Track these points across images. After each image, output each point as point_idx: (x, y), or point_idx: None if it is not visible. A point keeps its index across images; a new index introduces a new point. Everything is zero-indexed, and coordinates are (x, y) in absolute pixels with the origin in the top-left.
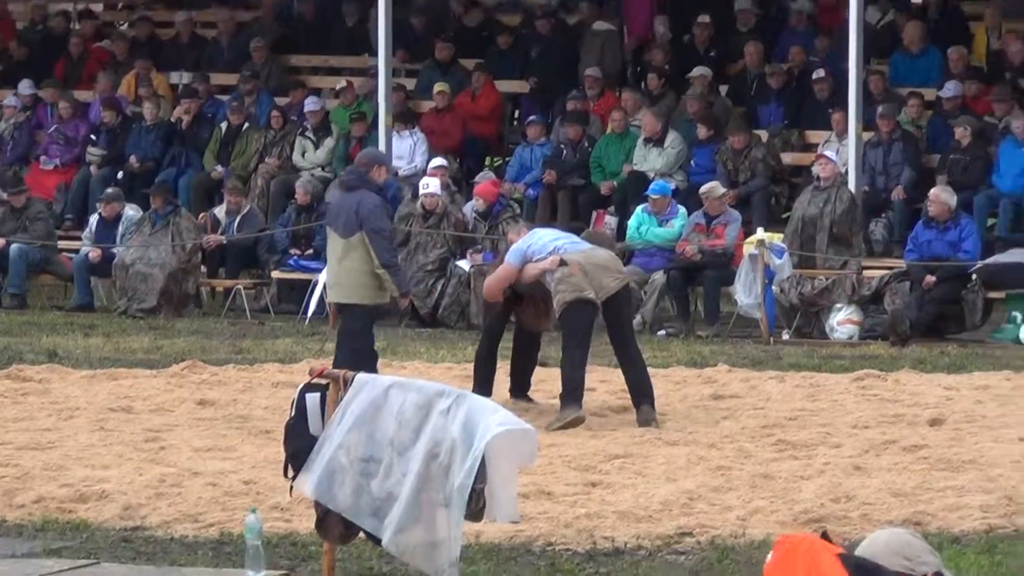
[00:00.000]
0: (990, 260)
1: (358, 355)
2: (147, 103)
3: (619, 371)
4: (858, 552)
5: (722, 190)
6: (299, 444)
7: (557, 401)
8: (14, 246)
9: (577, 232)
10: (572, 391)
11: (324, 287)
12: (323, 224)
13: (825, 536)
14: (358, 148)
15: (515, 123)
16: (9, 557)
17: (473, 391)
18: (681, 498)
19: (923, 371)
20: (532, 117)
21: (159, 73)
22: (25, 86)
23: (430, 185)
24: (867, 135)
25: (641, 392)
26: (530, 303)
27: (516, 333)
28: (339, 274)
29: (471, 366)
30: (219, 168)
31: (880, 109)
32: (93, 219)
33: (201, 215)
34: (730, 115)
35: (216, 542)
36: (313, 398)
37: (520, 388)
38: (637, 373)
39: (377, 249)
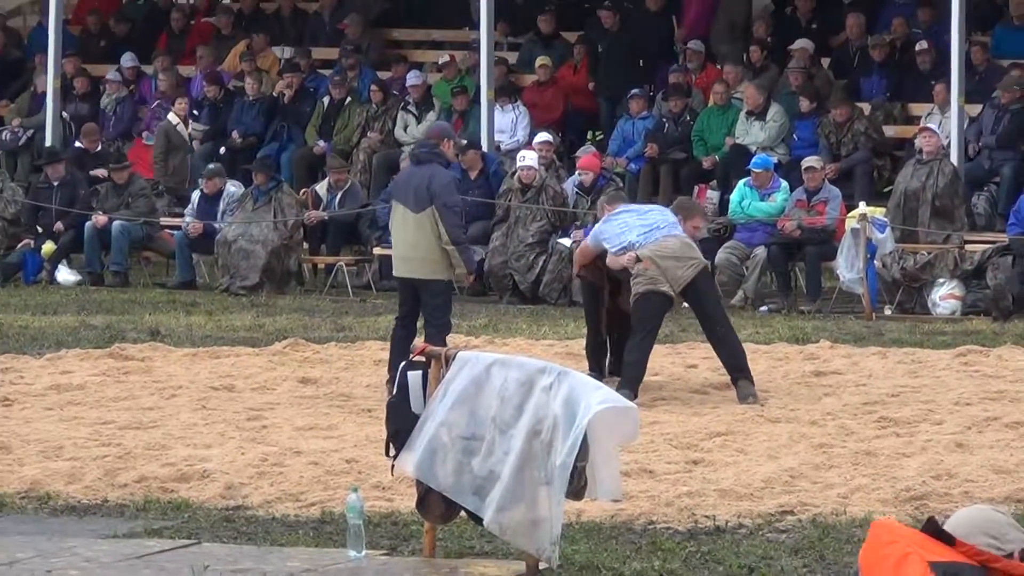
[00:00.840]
0: None
1: (447, 329)
2: (249, 78)
3: None
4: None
5: (820, 163)
6: (401, 422)
7: (658, 378)
8: (116, 223)
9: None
10: (629, 378)
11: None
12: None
13: (932, 525)
14: (460, 122)
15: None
16: (111, 537)
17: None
18: (783, 476)
19: None
20: (634, 90)
21: (267, 47)
22: (127, 59)
23: (526, 158)
24: (971, 108)
25: (735, 368)
26: (625, 289)
27: (616, 316)
28: (412, 250)
29: (573, 343)
30: (321, 143)
31: (1006, 77)
32: (195, 195)
33: (303, 191)
34: (832, 88)
35: (317, 521)
36: (415, 376)
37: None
38: (728, 349)
39: (447, 225)
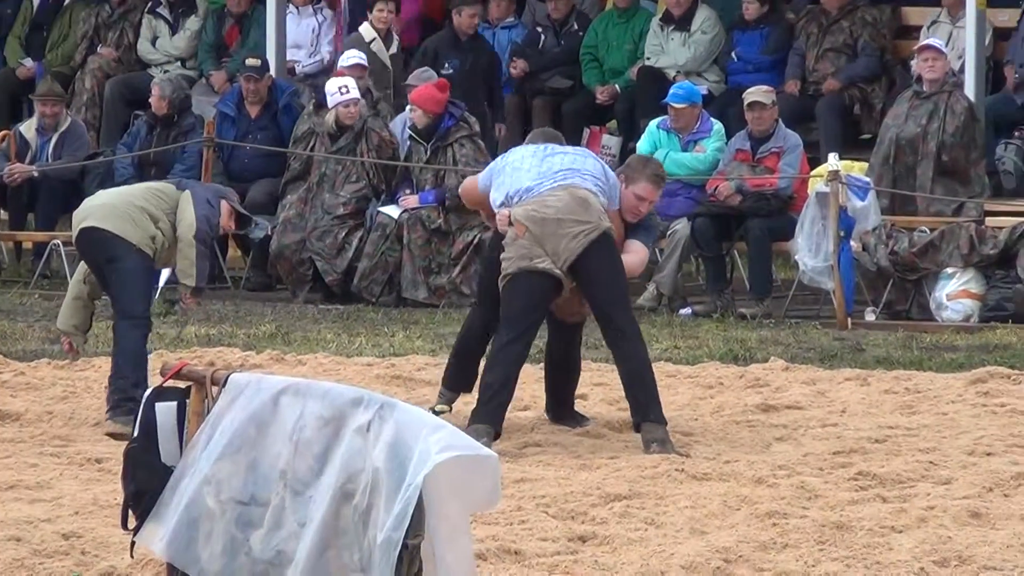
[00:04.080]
0: None
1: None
2: None
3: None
4: None
5: (771, 97)
6: (145, 479)
7: (530, 413)
8: None
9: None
10: (486, 401)
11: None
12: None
13: None
14: (236, 32)
15: None
16: None
17: (445, 385)
18: (713, 559)
19: None
20: None
21: None
22: None
23: (348, 88)
24: (995, 13)
25: (638, 405)
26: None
27: (550, 336)
28: None
29: (400, 361)
30: (28, 62)
31: None
32: None
33: (1, 133)
34: None
35: None
36: (166, 409)
37: (557, 406)
38: (631, 371)
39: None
